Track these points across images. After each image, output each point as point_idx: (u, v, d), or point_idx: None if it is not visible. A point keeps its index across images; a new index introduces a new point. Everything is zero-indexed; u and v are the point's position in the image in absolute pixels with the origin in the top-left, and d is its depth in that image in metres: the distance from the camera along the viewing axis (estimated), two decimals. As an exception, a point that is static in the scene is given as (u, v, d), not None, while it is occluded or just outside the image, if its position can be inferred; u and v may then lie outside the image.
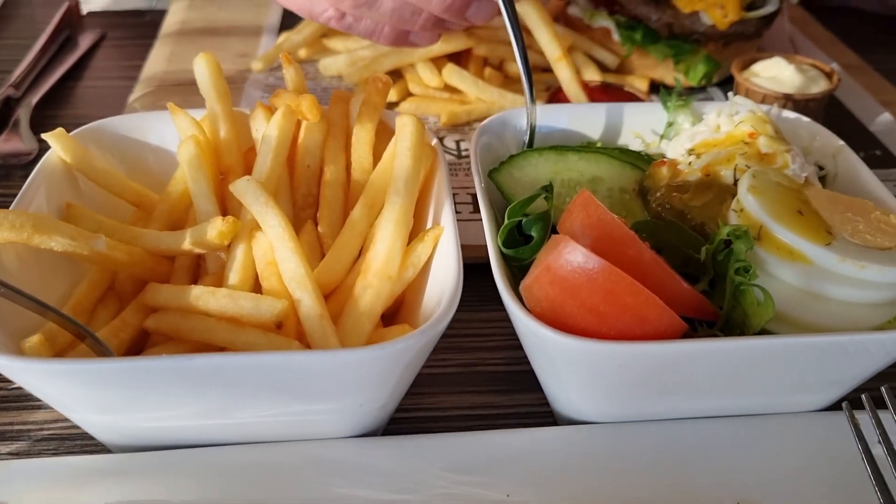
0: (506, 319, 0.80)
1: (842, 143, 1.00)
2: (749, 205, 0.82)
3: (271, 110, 0.96)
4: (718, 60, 1.41)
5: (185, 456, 0.81)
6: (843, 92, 1.49)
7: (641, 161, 0.96)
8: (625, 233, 0.75)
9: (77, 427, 0.87)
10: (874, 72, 1.60)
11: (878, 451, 0.75)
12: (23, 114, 1.39)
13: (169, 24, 1.65)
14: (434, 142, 0.96)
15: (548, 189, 0.84)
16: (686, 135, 0.98)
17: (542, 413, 0.92)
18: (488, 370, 0.99)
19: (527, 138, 0.99)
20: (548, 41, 1.29)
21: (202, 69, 0.98)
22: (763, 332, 0.78)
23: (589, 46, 1.44)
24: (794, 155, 0.89)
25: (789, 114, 1.04)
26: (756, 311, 0.75)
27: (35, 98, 1.44)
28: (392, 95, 1.35)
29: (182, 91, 1.40)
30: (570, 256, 0.71)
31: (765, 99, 1.26)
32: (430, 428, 0.91)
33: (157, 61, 1.50)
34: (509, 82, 1.40)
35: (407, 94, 1.37)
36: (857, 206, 0.86)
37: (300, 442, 0.82)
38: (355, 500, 0.77)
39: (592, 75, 1.40)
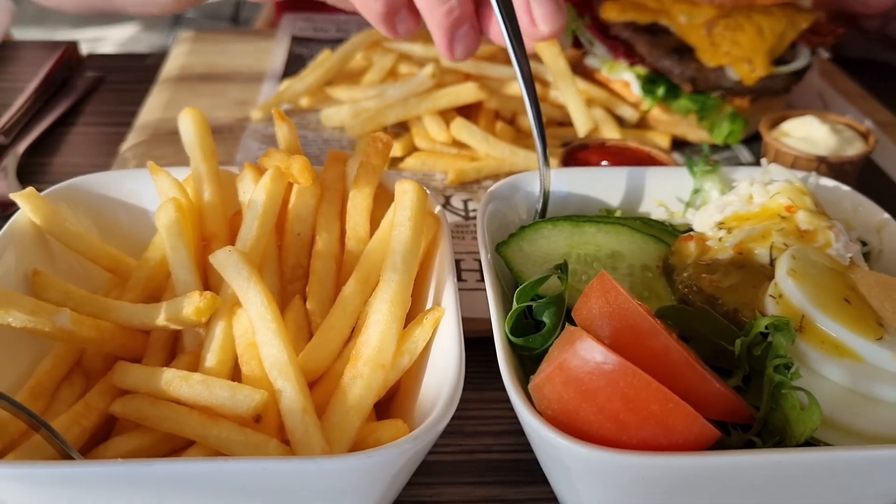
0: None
1: (887, 215, 0.91)
2: (789, 291, 0.72)
3: (261, 171, 0.88)
4: (745, 117, 1.33)
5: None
6: (878, 152, 1.40)
7: (666, 234, 0.87)
8: (649, 325, 0.66)
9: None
10: (910, 130, 1.51)
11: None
12: (10, 162, 1.32)
13: (169, 68, 1.59)
14: (438, 209, 0.88)
15: (562, 268, 0.75)
16: (715, 205, 0.89)
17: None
18: (492, 458, 0.90)
19: (539, 206, 0.91)
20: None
21: (187, 125, 0.90)
22: (808, 440, 0.68)
23: (607, 100, 1.36)
24: (838, 232, 0.80)
25: (827, 182, 0.95)
26: (800, 418, 0.65)
27: (24, 145, 1.37)
28: (397, 150, 1.28)
29: (176, 140, 1.30)
30: (587, 355, 0.62)
31: (796, 161, 1.17)
32: (427, 524, 0.82)
33: (154, 108, 1.43)
34: (521, 137, 1.32)
35: (413, 149, 1.29)
36: (910, 292, 0.76)
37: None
38: None
39: (611, 132, 1.32)
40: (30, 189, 0.86)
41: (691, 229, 0.90)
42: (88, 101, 1.57)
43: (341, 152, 0.94)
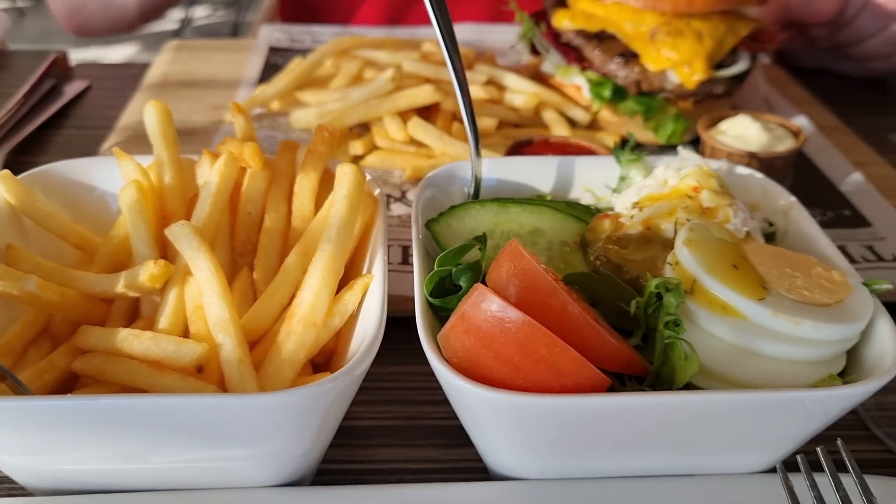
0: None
1: (794, 199, 0.98)
2: (684, 258, 0.80)
3: (217, 157, 0.97)
4: (689, 118, 1.41)
5: (101, 501, 0.79)
6: (816, 151, 1.48)
7: (587, 214, 0.95)
8: (549, 284, 0.73)
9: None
10: (851, 132, 1.59)
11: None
12: (-3, 159, 1.41)
13: (151, 76, 1.68)
14: (377, 192, 0.96)
15: (481, 239, 0.83)
16: (634, 188, 0.97)
17: (478, 469, 0.89)
18: (429, 423, 0.97)
19: (471, 190, 0.99)
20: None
21: (151, 116, 0.98)
22: (693, 388, 0.75)
23: (560, 103, 1.45)
24: (737, 209, 0.88)
25: (743, 170, 1.03)
26: (683, 367, 0.73)
27: (11, 145, 1.46)
28: (358, 149, 1.36)
29: (154, 140, 1.41)
30: (484, 305, 0.69)
31: (729, 157, 1.25)
32: (361, 480, 0.89)
33: (134, 112, 1.52)
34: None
35: (374, 148, 1.37)
36: (800, 262, 0.84)
37: (219, 490, 0.80)
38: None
39: (562, 131, 1.40)
40: (5, 171, 0.94)
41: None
42: (75, 107, 1.66)
43: (293, 142, 1.02)
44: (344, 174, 0.90)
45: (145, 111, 0.99)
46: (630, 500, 0.80)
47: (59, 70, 1.75)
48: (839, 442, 0.78)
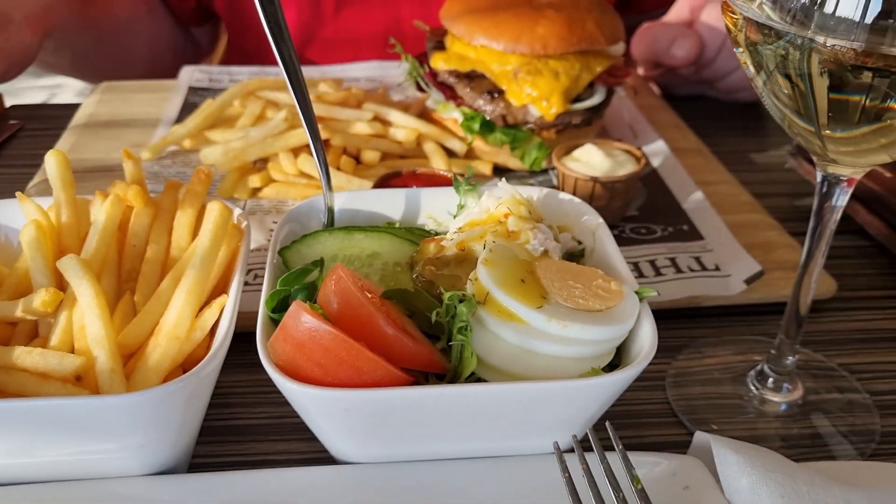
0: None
1: (600, 220, 1.16)
2: (481, 274, 0.97)
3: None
4: (551, 146, 1.59)
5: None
6: (668, 172, 1.66)
7: (422, 238, 1.12)
8: (358, 300, 0.90)
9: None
10: (709, 154, 1.78)
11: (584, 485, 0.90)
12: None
13: (78, 117, 1.84)
14: (244, 224, 1.12)
15: (318, 264, 1.00)
16: (462, 216, 1.14)
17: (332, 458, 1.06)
18: (296, 421, 1.11)
19: (325, 220, 1.16)
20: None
21: (51, 163, 1.14)
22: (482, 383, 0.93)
23: (438, 135, 1.62)
24: (538, 232, 1.05)
25: (565, 196, 1.21)
26: (466, 364, 0.90)
27: (-60, 185, 1.61)
28: (257, 182, 1.53)
29: (78, 178, 1.56)
30: (298, 318, 0.86)
31: (577, 181, 1.43)
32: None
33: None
34: (362, 168, 1.57)
35: (270, 181, 1.54)
36: (583, 275, 1.01)
37: (99, 480, 0.96)
38: (136, 529, 0.91)
39: (440, 161, 1.58)
40: (-81, 211, 1.10)
41: (448, 235, 1.15)
42: (6, 147, 1.82)
43: (177, 181, 1.19)
44: (211, 211, 1.07)
45: (46, 159, 1.15)
46: (440, 479, 0.97)
47: (-6, 112, 1.91)
48: (607, 424, 0.95)
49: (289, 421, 1.13)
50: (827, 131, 0.83)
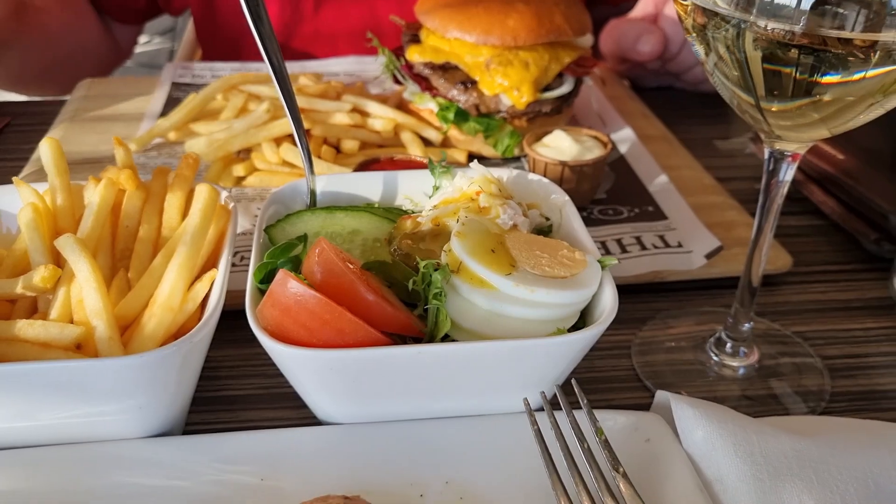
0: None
1: (567, 198, 1.23)
2: (454, 245, 1.05)
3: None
4: (522, 134, 1.67)
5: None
6: (635, 157, 1.75)
7: (399, 216, 1.19)
8: (340, 269, 0.97)
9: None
10: (675, 140, 1.87)
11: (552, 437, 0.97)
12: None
13: (65, 111, 1.90)
14: (231, 206, 1.19)
15: (302, 239, 1.07)
16: (438, 195, 1.21)
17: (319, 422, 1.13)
18: (285, 391, 1.20)
19: (308, 202, 1.22)
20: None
21: (46, 150, 1.21)
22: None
23: (415, 125, 1.70)
24: (507, 208, 1.13)
25: (533, 176, 1.28)
26: (441, 325, 0.98)
27: (-64, 178, 1.66)
28: (241, 171, 1.59)
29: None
30: (284, 284, 0.93)
31: (547, 166, 1.51)
32: (225, 435, 1.12)
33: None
34: (342, 157, 1.64)
35: (254, 170, 1.61)
36: (550, 246, 1.09)
37: (99, 442, 1.02)
38: (133, 487, 0.97)
39: (417, 150, 1.65)
40: (-79, 196, 1.16)
41: (424, 213, 1.22)
42: (-4, 141, 1.87)
43: (166, 167, 1.25)
44: (200, 192, 1.13)
45: (40, 147, 1.22)
46: (421, 436, 1.04)
47: (-17, 109, 1.96)
48: (573, 381, 1.03)
49: (277, 391, 1.20)
50: (765, 104, 0.91)
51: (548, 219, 1.23)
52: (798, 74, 0.82)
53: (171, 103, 1.93)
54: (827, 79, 0.86)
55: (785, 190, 1.13)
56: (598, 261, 1.09)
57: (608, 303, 1.03)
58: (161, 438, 1.04)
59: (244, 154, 1.66)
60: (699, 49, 0.99)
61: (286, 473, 1.00)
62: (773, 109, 0.91)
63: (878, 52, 0.82)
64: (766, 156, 1.11)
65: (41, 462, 1.00)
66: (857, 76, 0.85)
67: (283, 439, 1.04)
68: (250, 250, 1.35)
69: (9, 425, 0.99)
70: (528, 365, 1.00)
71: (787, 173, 1.11)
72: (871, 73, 0.85)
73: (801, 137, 1.04)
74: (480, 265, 1.02)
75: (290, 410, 1.17)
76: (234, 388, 1.21)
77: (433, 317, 1.00)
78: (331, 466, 1.01)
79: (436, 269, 1.00)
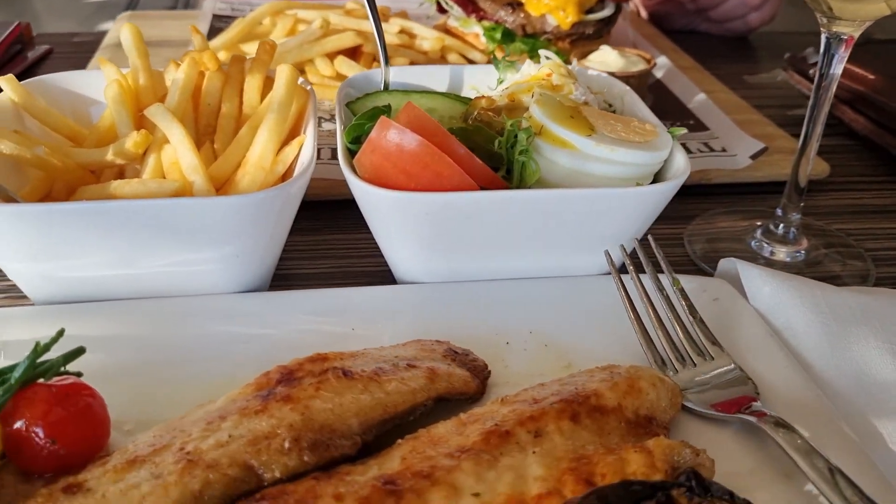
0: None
1: (628, 88, 1.29)
2: (534, 111, 1.09)
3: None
4: (566, 55, 1.72)
5: (94, 308, 1.04)
6: (672, 81, 1.81)
7: (470, 101, 1.24)
8: (434, 123, 1.02)
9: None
10: (705, 71, 1.93)
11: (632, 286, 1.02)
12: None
13: (109, 38, 1.93)
14: (308, 87, 1.23)
15: (386, 109, 1.11)
16: (507, 82, 1.26)
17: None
18: (353, 270, 1.24)
19: (381, 87, 1.27)
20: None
21: (126, 35, 1.24)
22: (539, 196, 1.05)
23: (461, 47, 1.74)
24: (578, 85, 1.18)
25: (594, 71, 1.33)
26: (530, 176, 1.02)
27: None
28: (293, 83, 1.63)
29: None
30: (386, 130, 0.97)
31: (594, 77, 1.56)
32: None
33: (94, 66, 1.76)
34: (392, 72, 1.68)
35: (307, 83, 1.65)
36: (622, 119, 1.14)
37: (194, 296, 1.06)
38: (228, 335, 1.00)
39: (464, 67, 1.70)
40: (9, 76, 1.19)
41: (492, 101, 1.27)
42: (38, 69, 1.90)
43: (241, 55, 1.29)
44: (282, 71, 1.17)
45: (121, 33, 1.25)
46: (505, 294, 1.08)
47: (23, 37, 1.99)
48: (649, 237, 1.08)
49: (346, 270, 1.25)
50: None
51: (610, 105, 1.28)
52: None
53: (212, 34, 1.97)
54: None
55: (839, 75, 1.19)
56: (668, 131, 1.14)
57: (681, 164, 1.08)
58: (251, 294, 1.08)
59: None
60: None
61: (377, 324, 1.04)
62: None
63: None
64: (822, 42, 1.17)
65: (139, 312, 1.03)
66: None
67: (371, 295, 1.08)
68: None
69: (112, 272, 1.03)
70: (611, 217, 1.05)
71: (838, 66, 1.17)
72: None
73: (859, 13, 1.10)
74: (562, 127, 1.07)
75: (359, 288, 1.21)
76: (309, 269, 1.25)
77: (518, 172, 1.05)
78: (419, 319, 1.05)
79: (520, 129, 1.05)
